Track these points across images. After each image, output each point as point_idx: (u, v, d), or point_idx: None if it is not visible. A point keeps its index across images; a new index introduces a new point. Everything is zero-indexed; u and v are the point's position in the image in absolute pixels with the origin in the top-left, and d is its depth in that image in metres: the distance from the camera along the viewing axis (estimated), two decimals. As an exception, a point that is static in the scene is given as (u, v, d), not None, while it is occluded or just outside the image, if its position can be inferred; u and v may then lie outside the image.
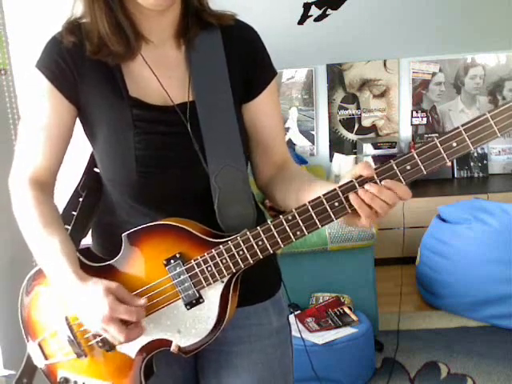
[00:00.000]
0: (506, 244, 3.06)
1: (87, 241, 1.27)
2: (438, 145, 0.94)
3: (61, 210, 1.22)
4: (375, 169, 0.98)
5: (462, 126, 0.92)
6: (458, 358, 2.87)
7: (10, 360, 2.14)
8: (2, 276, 2.15)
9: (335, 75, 4.38)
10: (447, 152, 0.94)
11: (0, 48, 2.24)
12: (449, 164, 4.27)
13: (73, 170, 1.31)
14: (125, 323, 1.04)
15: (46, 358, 1.19)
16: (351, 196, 0.98)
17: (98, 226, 1.25)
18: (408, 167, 0.96)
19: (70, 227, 1.24)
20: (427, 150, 0.95)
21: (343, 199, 0.99)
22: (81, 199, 1.25)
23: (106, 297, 1.03)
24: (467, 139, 0.92)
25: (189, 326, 1.09)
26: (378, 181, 0.97)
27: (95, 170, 1.24)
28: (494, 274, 3.08)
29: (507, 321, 3.07)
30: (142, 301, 1.06)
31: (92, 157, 1.23)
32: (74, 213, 1.25)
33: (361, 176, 0.98)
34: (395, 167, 0.97)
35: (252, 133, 1.22)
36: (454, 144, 0.93)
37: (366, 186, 0.97)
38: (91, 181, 1.25)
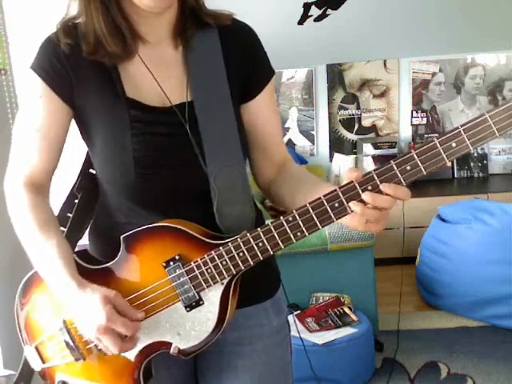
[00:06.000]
0: (506, 244, 3.05)
1: (83, 242, 1.26)
2: (438, 145, 0.93)
3: (56, 212, 1.21)
4: (376, 169, 0.97)
5: (462, 126, 0.92)
6: (458, 358, 2.87)
7: (10, 360, 2.14)
8: (2, 276, 2.15)
9: (335, 75, 4.37)
10: (447, 152, 0.93)
11: (0, 48, 2.24)
12: (448, 164, 4.27)
13: (68, 172, 1.30)
14: (120, 335, 1.03)
15: (43, 361, 1.18)
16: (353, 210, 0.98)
17: (95, 228, 1.24)
18: (408, 167, 0.95)
19: (65, 229, 1.22)
20: (427, 150, 0.94)
21: (344, 200, 0.98)
22: (76, 201, 1.24)
23: (103, 306, 1.01)
24: (466, 139, 0.92)
25: (188, 328, 1.08)
26: (378, 181, 0.97)
27: (91, 171, 1.23)
28: (494, 274, 3.07)
29: (507, 321, 3.07)
30: (140, 314, 1.05)
31: (87, 158, 1.22)
32: (70, 214, 1.24)
33: (352, 182, 0.97)
34: (395, 168, 0.96)
35: (251, 133, 1.21)
36: (454, 144, 0.93)
37: (363, 196, 0.96)
38: (87, 182, 1.24)
